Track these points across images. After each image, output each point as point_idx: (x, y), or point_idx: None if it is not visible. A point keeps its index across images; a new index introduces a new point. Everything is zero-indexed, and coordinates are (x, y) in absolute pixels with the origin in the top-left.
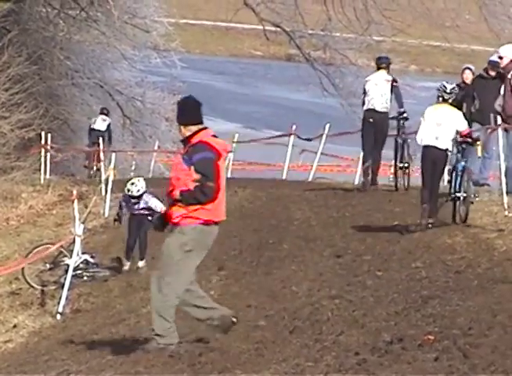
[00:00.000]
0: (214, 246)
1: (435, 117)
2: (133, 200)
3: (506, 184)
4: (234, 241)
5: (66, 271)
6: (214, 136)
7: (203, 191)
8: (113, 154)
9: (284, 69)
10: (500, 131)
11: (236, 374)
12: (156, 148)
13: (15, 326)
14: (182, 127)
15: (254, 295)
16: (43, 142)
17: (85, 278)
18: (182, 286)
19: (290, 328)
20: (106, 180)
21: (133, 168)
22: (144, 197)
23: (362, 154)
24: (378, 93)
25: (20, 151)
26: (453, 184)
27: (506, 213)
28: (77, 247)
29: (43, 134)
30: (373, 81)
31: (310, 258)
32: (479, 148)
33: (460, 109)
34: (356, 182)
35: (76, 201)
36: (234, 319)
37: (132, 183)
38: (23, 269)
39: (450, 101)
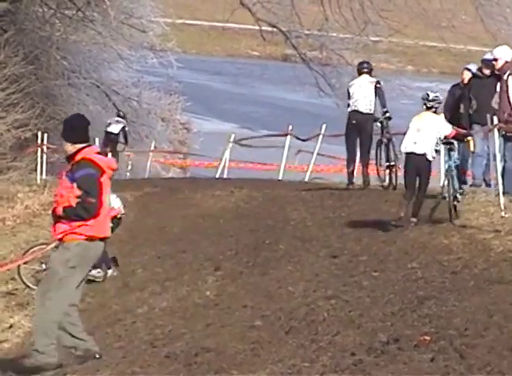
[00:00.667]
0: (211, 246)
1: (416, 124)
2: None
3: (503, 184)
4: (230, 241)
5: None
6: (99, 153)
7: (85, 207)
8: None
9: (280, 69)
10: (496, 131)
11: (232, 374)
12: (152, 148)
13: (11, 326)
14: (68, 144)
15: (251, 295)
16: (39, 142)
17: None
18: (65, 302)
19: (286, 328)
20: None
21: (129, 168)
22: None
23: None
24: (362, 95)
25: (16, 151)
26: (442, 184)
27: (503, 214)
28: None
29: (39, 134)
30: (357, 84)
31: (306, 258)
32: (471, 143)
33: (458, 110)
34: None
35: None
36: (97, 356)
37: None
38: (19, 269)
39: (433, 109)
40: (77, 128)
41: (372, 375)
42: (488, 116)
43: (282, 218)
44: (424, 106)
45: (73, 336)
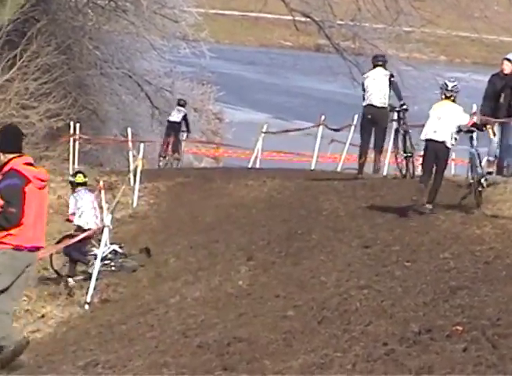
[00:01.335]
0: (243, 236)
1: (437, 112)
2: None
3: None
4: (263, 231)
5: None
6: (30, 164)
7: (6, 217)
8: (142, 145)
9: (313, 59)
10: None
11: (265, 364)
12: (184, 138)
13: (43, 316)
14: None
15: (283, 285)
16: (72, 131)
17: (114, 268)
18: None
19: (318, 318)
20: (135, 170)
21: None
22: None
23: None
24: (376, 89)
25: (49, 141)
26: (467, 171)
27: None
28: (105, 237)
29: (72, 124)
30: (372, 77)
31: (338, 248)
32: (490, 131)
33: (498, 100)
34: (385, 173)
35: (103, 191)
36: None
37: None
38: (51, 258)
39: (452, 98)
40: (8, 138)
41: (404, 365)
42: None
43: (314, 208)
44: (443, 96)
45: None
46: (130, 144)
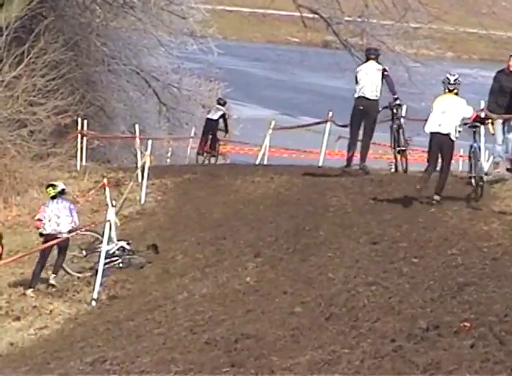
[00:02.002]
0: (251, 232)
1: (441, 106)
2: None
3: None
4: (270, 228)
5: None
6: None
7: None
8: (150, 141)
9: (321, 55)
10: None
11: (272, 360)
12: (192, 135)
13: (50, 312)
14: None
15: (290, 282)
16: (79, 128)
17: (121, 265)
18: None
19: (326, 315)
20: (143, 166)
21: (169, 154)
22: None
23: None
24: (369, 82)
25: (56, 137)
26: (468, 166)
27: None
28: (107, 232)
29: (79, 120)
30: (364, 71)
31: (346, 244)
32: (490, 126)
33: (504, 96)
34: (393, 170)
35: (108, 188)
36: None
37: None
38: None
39: (455, 91)
40: None
41: (412, 362)
42: None
43: (322, 204)
44: (446, 89)
45: None
46: (137, 141)
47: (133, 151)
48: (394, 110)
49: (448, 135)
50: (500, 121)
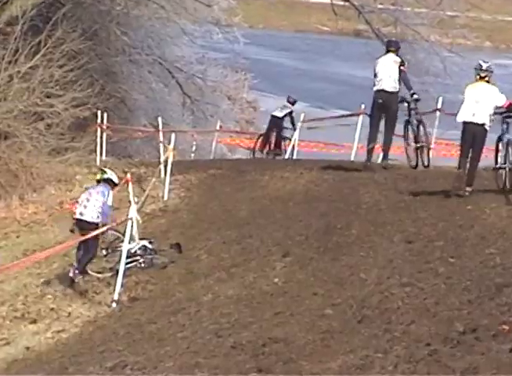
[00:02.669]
0: (279, 230)
1: (474, 94)
2: None
3: None
4: (300, 226)
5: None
6: None
7: None
8: (173, 135)
9: (352, 45)
10: None
11: (302, 365)
12: (218, 128)
13: (69, 315)
14: None
15: (321, 283)
16: (99, 121)
17: (143, 265)
18: None
19: (358, 317)
20: (166, 161)
21: (193, 148)
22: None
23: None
24: (387, 74)
25: (75, 131)
26: (499, 156)
27: None
28: (129, 230)
29: (99, 113)
30: (382, 63)
31: (379, 243)
32: None
33: None
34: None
35: (131, 184)
36: None
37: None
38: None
39: (486, 78)
40: None
41: (448, 366)
42: None
43: (354, 201)
44: (478, 76)
45: None
46: (160, 134)
47: (155, 145)
48: (412, 105)
49: (482, 125)
50: None
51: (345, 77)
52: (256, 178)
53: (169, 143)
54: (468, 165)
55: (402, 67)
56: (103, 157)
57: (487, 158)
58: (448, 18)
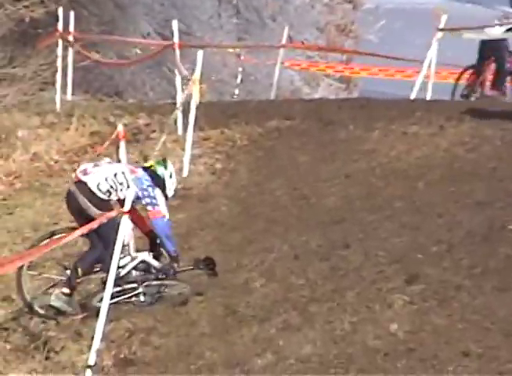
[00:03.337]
0: (399, 233)
1: None
2: None
3: None
4: (437, 225)
5: (104, 284)
6: None
7: None
8: (200, 53)
9: None
10: None
11: None
12: (284, 42)
13: None
14: None
15: (477, 332)
16: (60, 27)
17: (143, 298)
18: None
19: None
20: (186, 105)
21: (238, 80)
22: None
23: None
24: None
25: (16, 47)
26: None
27: None
28: (121, 236)
29: (60, 12)
30: None
31: None
32: None
33: None
34: None
35: (123, 145)
36: None
37: None
38: (19, 278)
39: None
40: None
41: None
42: None
43: None
44: None
45: None
46: (177, 52)
47: (167, 74)
48: None
49: None
50: None
51: None
52: (356, 135)
53: (193, 71)
54: None
55: None
56: (69, 95)
57: None
58: None
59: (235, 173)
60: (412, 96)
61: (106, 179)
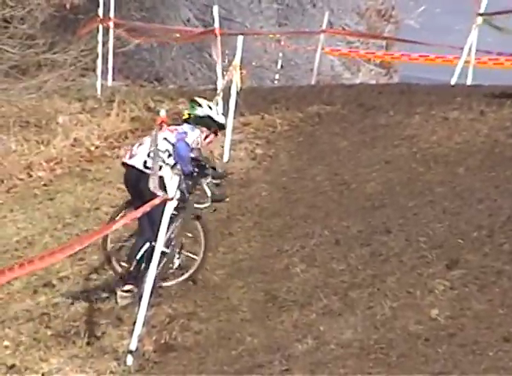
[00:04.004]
0: (439, 219)
1: None
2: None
3: None
4: (478, 211)
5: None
6: None
7: None
8: (240, 39)
9: None
10: None
11: None
12: (324, 27)
13: None
14: None
15: None
16: (101, 13)
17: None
18: None
19: None
20: (227, 90)
21: (279, 66)
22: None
23: None
24: None
25: (55, 33)
26: None
27: None
28: (166, 220)
29: None
30: None
31: None
32: None
33: None
34: None
35: (166, 130)
36: None
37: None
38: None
39: None
40: None
41: None
42: None
43: None
44: None
45: None
46: (218, 39)
47: (207, 60)
48: None
49: None
50: None
51: None
52: (397, 121)
53: (233, 57)
54: None
55: None
56: (109, 82)
57: None
58: None
59: (275, 159)
60: (453, 82)
61: (148, 155)
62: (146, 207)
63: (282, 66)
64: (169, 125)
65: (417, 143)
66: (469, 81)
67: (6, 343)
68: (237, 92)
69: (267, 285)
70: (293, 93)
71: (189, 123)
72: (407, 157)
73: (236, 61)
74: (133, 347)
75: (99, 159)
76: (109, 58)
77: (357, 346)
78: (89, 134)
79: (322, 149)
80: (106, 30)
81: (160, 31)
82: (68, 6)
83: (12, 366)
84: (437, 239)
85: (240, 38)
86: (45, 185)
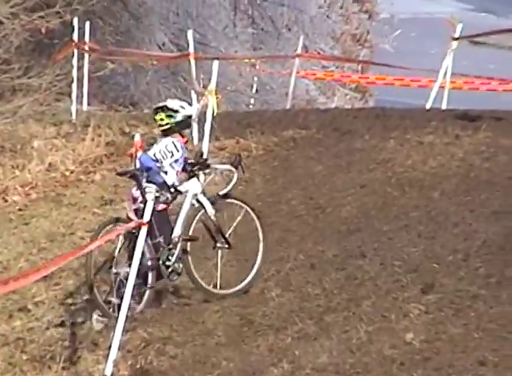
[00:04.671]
0: (415, 243)
1: None
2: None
3: None
4: (452, 235)
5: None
6: None
7: None
8: (215, 64)
9: None
10: None
11: None
12: (299, 51)
13: None
14: None
15: (493, 342)
16: (75, 37)
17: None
18: None
19: None
20: (200, 115)
21: (254, 90)
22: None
23: None
24: None
25: (31, 57)
26: None
27: None
28: (142, 240)
29: (75, 22)
30: None
31: None
32: None
33: None
34: None
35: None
36: None
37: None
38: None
39: None
40: None
41: None
42: None
43: None
44: None
45: None
46: (192, 62)
47: (182, 84)
48: None
49: None
50: None
51: None
52: (372, 145)
53: (209, 81)
54: None
55: None
56: (84, 106)
57: None
58: None
59: (250, 183)
60: (428, 106)
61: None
62: (120, 231)
63: (257, 91)
64: (144, 151)
65: (392, 167)
66: (444, 105)
67: None
68: (213, 117)
69: (242, 309)
70: (268, 117)
71: (166, 135)
72: (382, 181)
73: (212, 86)
74: (108, 372)
75: (74, 184)
76: (84, 82)
77: (332, 370)
78: (64, 158)
79: (298, 173)
80: (81, 55)
81: (135, 55)
82: (43, 31)
83: None
84: (412, 263)
85: (216, 63)
86: (20, 209)
